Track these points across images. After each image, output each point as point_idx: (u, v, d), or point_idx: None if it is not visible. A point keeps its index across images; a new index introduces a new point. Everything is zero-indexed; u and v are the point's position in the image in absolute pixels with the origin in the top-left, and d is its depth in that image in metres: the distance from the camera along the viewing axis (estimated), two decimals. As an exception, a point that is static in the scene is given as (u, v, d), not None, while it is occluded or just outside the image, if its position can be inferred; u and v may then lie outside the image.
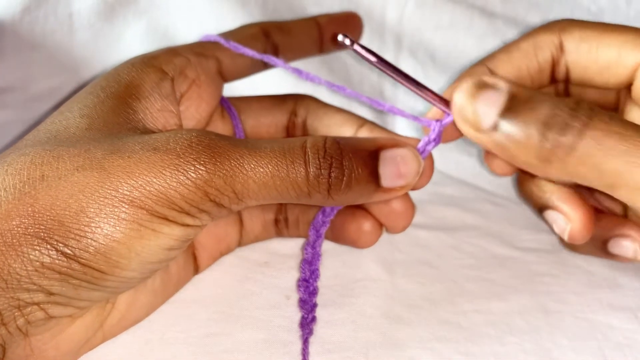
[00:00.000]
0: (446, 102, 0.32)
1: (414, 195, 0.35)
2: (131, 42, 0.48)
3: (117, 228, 0.27)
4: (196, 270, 0.36)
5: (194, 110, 0.35)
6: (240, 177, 0.28)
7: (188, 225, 0.29)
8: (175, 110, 0.33)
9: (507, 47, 0.34)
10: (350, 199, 0.31)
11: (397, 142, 0.31)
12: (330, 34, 0.41)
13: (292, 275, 0.37)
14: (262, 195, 0.29)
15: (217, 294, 0.35)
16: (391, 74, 0.31)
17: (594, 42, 0.32)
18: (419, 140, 0.33)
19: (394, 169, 0.31)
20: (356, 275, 0.37)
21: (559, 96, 0.35)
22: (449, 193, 0.46)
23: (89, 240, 0.26)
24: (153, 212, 0.27)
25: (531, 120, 0.28)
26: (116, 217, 0.27)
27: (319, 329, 0.33)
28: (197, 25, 0.49)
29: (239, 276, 0.37)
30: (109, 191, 0.27)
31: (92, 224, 0.27)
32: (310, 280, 0.34)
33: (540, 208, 0.35)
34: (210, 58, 0.36)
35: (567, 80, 0.35)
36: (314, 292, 0.33)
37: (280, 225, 0.39)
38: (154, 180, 0.27)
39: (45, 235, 0.26)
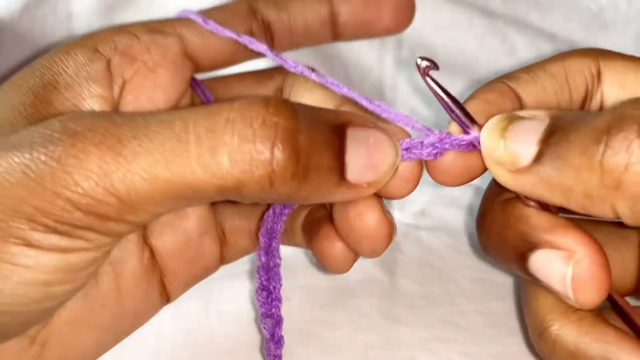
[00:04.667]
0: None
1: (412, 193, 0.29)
2: (131, 42, 0.48)
3: None
4: (167, 299, 0.31)
5: (146, 100, 0.28)
6: (120, 171, 0.21)
7: (66, 250, 0.21)
8: (109, 95, 0.27)
9: (529, 68, 0.28)
10: (304, 194, 0.22)
11: (368, 120, 0.24)
12: (349, 15, 0.31)
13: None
14: (163, 197, 0.21)
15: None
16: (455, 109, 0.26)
17: (633, 77, 0.27)
18: (408, 136, 0.26)
19: (364, 154, 0.23)
20: (356, 276, 0.37)
21: None
22: (449, 193, 0.46)
23: None
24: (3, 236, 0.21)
25: (587, 136, 0.22)
26: None
27: (318, 329, 0.33)
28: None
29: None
30: None
31: None
32: (272, 288, 0.28)
33: (523, 254, 0.25)
34: (170, 36, 0.29)
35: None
36: (276, 302, 0.28)
37: None
38: None
39: None
